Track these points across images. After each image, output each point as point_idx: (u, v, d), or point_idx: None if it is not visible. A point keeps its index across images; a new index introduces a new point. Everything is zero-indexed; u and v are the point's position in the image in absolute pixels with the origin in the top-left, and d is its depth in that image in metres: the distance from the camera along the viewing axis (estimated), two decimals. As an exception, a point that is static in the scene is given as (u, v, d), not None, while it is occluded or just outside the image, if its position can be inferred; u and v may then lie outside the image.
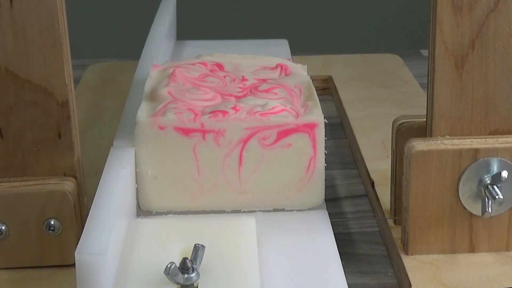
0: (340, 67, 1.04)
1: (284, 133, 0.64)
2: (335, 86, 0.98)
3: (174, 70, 0.70)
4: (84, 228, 0.55)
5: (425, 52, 1.14)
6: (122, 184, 0.60)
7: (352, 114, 0.89)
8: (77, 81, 1.02)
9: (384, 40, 1.90)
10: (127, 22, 1.80)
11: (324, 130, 0.64)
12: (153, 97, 0.67)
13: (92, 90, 0.99)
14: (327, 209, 0.67)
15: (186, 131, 0.64)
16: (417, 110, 0.78)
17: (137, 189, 0.65)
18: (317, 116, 0.64)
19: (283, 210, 0.66)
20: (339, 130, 0.90)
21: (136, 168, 0.65)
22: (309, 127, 0.64)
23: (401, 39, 1.91)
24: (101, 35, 1.83)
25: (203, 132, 0.64)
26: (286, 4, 1.90)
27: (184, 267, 0.53)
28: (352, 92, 0.96)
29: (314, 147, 0.64)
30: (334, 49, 1.18)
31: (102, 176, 0.61)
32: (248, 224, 0.61)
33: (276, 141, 0.64)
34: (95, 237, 0.54)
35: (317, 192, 0.66)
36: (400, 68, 1.04)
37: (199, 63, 0.73)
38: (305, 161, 0.65)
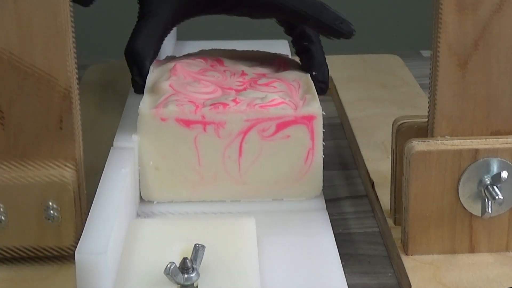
0: (340, 67, 1.04)
1: (283, 125, 0.65)
2: (335, 87, 0.98)
3: (175, 64, 0.72)
4: (84, 228, 0.55)
5: (425, 53, 1.14)
6: (122, 184, 0.60)
7: (352, 114, 0.89)
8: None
9: (384, 41, 1.90)
10: (127, 22, 1.79)
11: (322, 122, 0.65)
12: (155, 90, 0.68)
13: (92, 90, 0.99)
14: (327, 210, 0.67)
15: (187, 123, 0.65)
16: (417, 110, 0.78)
17: (139, 180, 0.66)
18: (315, 109, 0.65)
19: (282, 200, 0.67)
20: (339, 131, 0.90)
21: (138, 158, 0.66)
22: (308, 119, 0.65)
23: (401, 40, 1.91)
24: (101, 35, 1.83)
25: (204, 123, 0.65)
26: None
27: (184, 267, 0.53)
28: (352, 93, 0.96)
29: (312, 138, 0.66)
30: (334, 50, 1.18)
31: (102, 176, 0.61)
32: (248, 224, 0.61)
33: (275, 132, 0.65)
34: (95, 237, 0.54)
35: (315, 182, 0.67)
36: (400, 69, 1.04)
37: (200, 58, 0.74)
38: (303, 153, 0.66)
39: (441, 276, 0.61)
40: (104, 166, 0.63)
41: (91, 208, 0.57)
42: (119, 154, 0.64)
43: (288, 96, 0.67)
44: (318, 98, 0.67)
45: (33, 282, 0.62)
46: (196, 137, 0.65)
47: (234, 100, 0.66)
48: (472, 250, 0.64)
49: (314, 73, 0.73)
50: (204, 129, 0.65)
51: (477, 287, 0.60)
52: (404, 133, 0.65)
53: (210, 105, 0.65)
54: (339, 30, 0.73)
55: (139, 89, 0.71)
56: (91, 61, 1.09)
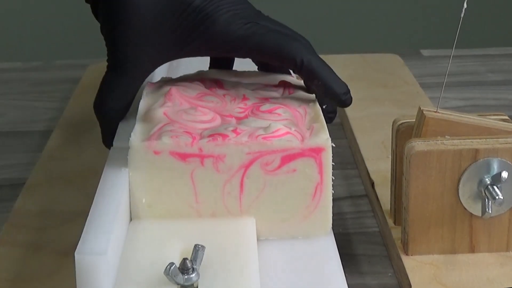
0: (340, 67, 1.03)
1: (288, 158, 0.60)
2: (335, 86, 0.98)
3: (170, 89, 0.66)
4: (84, 228, 0.55)
5: (425, 52, 1.14)
6: (122, 184, 0.60)
7: (352, 114, 0.89)
8: (77, 81, 1.02)
9: (384, 40, 1.90)
10: (127, 22, 1.79)
11: (331, 154, 0.60)
12: (147, 118, 0.63)
13: (92, 90, 0.99)
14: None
15: (183, 156, 0.60)
16: (417, 110, 0.78)
17: (131, 218, 0.62)
18: (324, 140, 0.60)
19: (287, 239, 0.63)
20: (339, 130, 0.90)
21: (129, 195, 0.61)
22: (315, 152, 0.60)
23: (401, 40, 1.91)
24: (101, 35, 1.82)
25: (202, 157, 0.60)
26: (286, 5, 1.90)
27: (184, 268, 0.53)
28: (352, 92, 0.95)
29: (320, 172, 0.60)
30: (334, 49, 1.18)
31: (102, 176, 0.61)
32: (248, 224, 0.61)
33: (280, 166, 0.60)
34: (95, 237, 0.53)
35: (324, 220, 0.62)
36: (400, 68, 1.04)
37: (197, 80, 0.69)
38: (311, 188, 0.61)
39: (441, 276, 0.61)
40: (104, 166, 0.63)
41: (91, 208, 0.57)
42: (119, 154, 0.64)
43: (293, 125, 0.62)
44: (327, 128, 0.62)
45: (33, 282, 0.62)
46: (193, 171, 0.60)
47: (234, 131, 0.60)
48: (472, 250, 0.64)
49: (324, 106, 0.67)
50: (202, 163, 0.60)
51: (477, 287, 0.60)
52: (404, 132, 0.66)
53: (208, 136, 0.60)
54: (343, 101, 0.66)
55: (108, 145, 0.66)
56: (91, 61, 1.09)
